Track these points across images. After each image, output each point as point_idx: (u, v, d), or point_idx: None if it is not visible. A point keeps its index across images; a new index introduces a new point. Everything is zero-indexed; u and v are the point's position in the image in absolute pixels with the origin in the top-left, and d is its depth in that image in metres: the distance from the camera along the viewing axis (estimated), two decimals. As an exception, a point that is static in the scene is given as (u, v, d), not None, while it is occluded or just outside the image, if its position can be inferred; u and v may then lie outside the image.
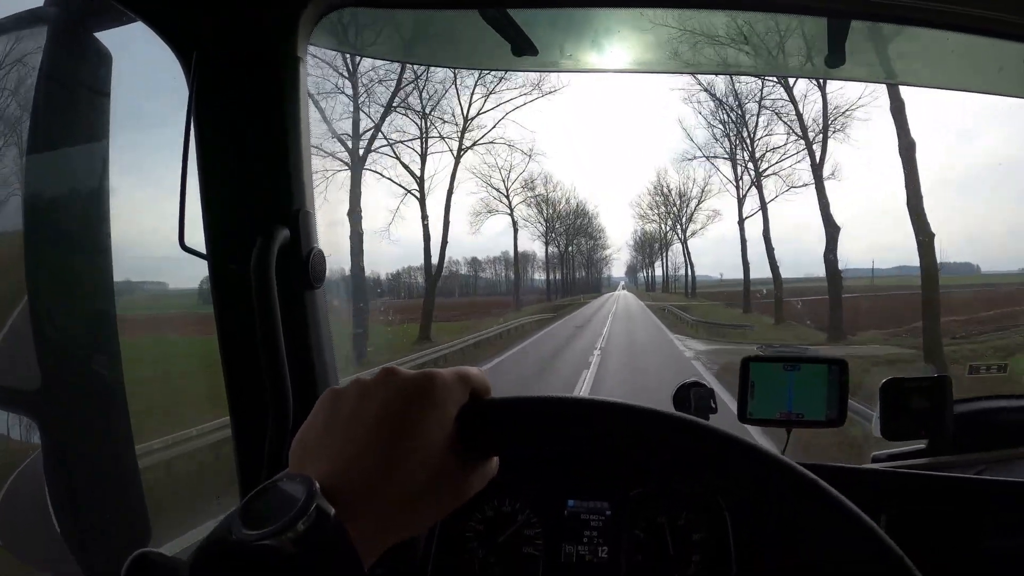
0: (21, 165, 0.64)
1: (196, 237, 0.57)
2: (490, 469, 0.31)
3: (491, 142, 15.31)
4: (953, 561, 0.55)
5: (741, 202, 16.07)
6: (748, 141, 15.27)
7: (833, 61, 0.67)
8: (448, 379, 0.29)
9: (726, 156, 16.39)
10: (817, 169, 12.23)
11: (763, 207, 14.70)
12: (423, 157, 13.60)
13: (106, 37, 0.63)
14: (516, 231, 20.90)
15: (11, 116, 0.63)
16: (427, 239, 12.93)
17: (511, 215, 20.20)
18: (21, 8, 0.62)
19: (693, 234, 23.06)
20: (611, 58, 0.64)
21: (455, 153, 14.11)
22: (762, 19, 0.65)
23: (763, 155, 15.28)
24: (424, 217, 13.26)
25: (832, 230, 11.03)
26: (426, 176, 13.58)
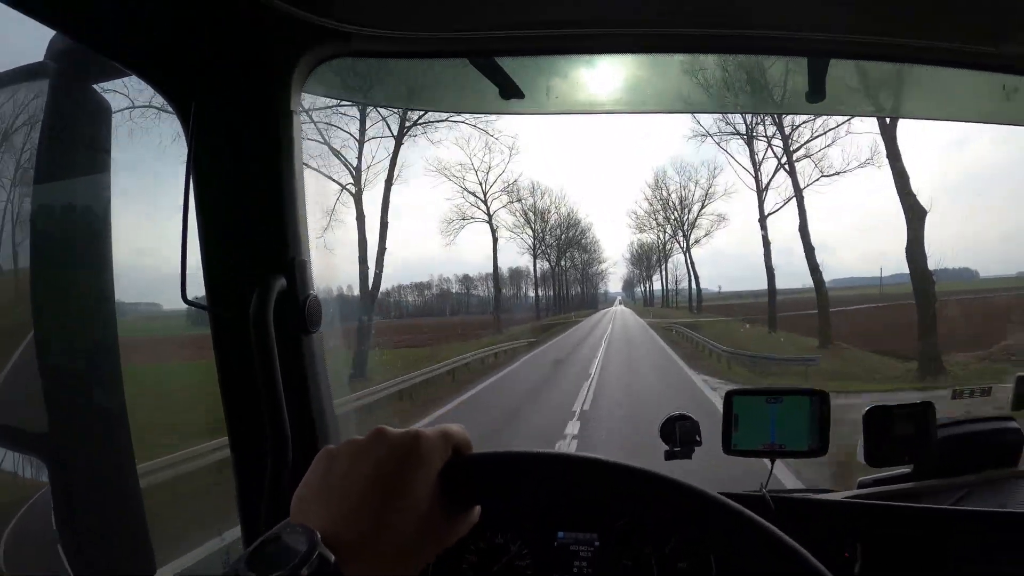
0: (26, 216, 0.66)
1: (196, 285, 0.59)
2: (472, 517, 0.34)
3: (446, 120, 12.39)
4: None
5: (763, 194, 13.20)
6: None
7: (814, 98, 0.69)
8: (433, 438, 0.31)
9: (742, 134, 13.49)
10: (889, 129, 8.60)
11: (798, 195, 11.84)
12: (360, 142, 11.24)
13: (107, 88, 0.65)
14: (496, 240, 18.91)
15: (14, 169, 0.65)
16: (363, 245, 10.46)
17: (490, 223, 18.22)
18: (22, 62, 0.64)
19: (696, 242, 20.69)
20: (597, 100, 0.66)
21: (396, 132, 11.61)
22: (744, 60, 0.66)
23: (794, 130, 12.09)
24: (359, 217, 10.76)
25: (917, 217, 8.16)
26: (363, 167, 11.09)
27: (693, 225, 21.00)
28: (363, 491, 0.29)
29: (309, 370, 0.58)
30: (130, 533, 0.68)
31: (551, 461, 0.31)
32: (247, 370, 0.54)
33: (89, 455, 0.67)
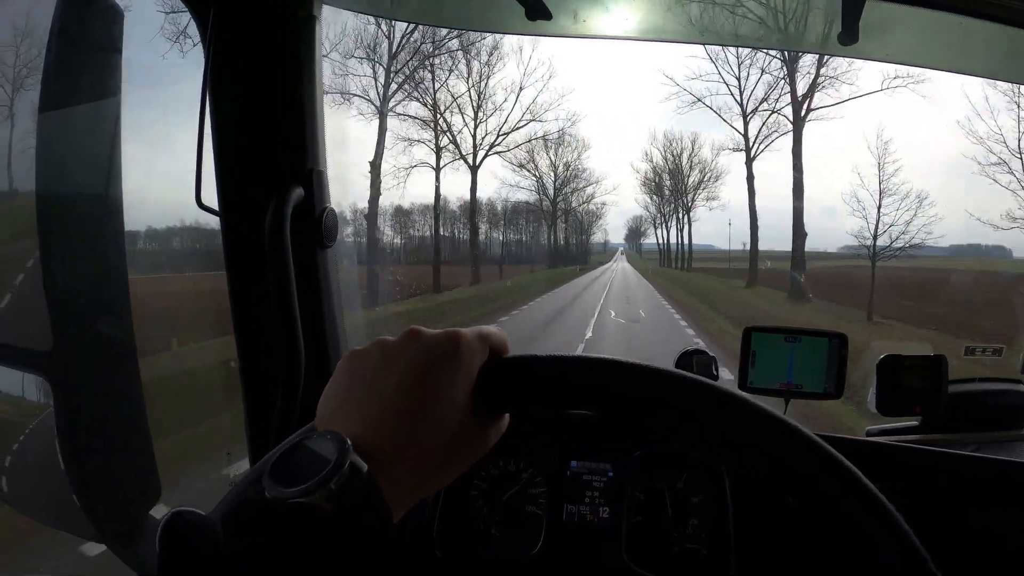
0: (33, 125, 0.64)
1: (209, 196, 0.58)
2: (503, 424, 0.32)
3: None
4: (943, 535, 0.56)
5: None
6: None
7: (846, 39, 0.67)
8: (471, 339, 0.29)
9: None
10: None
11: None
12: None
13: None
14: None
15: (23, 75, 0.63)
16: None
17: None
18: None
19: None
20: (625, 24, 0.64)
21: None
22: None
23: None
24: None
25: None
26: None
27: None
28: (397, 394, 0.27)
29: (323, 285, 0.57)
30: (135, 457, 0.68)
31: (588, 364, 0.30)
32: (259, 281, 0.53)
33: (93, 376, 0.66)
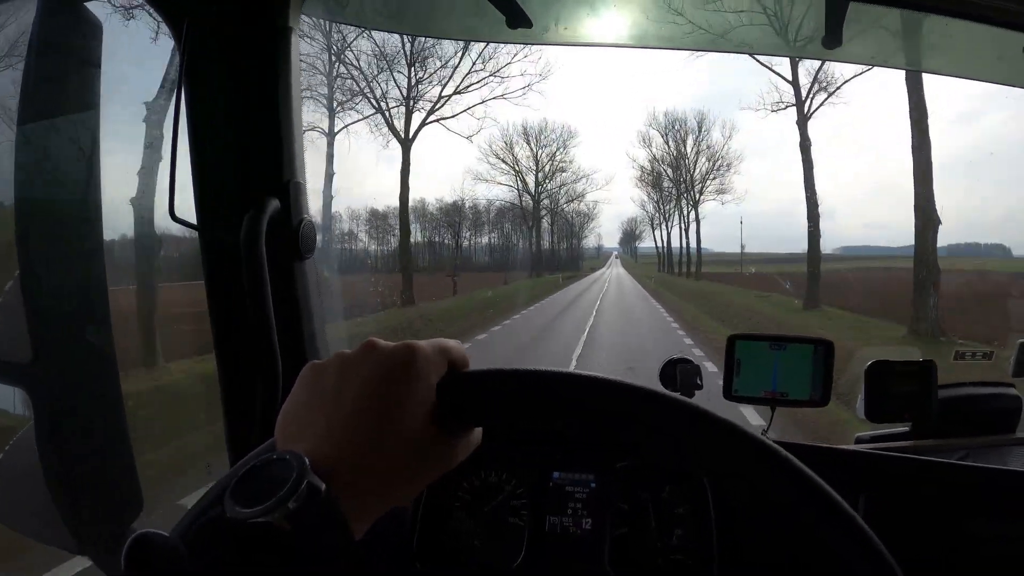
0: (11, 137, 0.64)
1: (187, 208, 0.57)
2: (474, 439, 0.31)
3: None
4: (928, 543, 0.56)
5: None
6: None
7: (830, 42, 0.67)
8: (428, 351, 0.29)
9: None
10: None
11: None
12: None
13: (97, 7, 0.62)
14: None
15: (3, 88, 0.63)
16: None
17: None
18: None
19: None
20: (607, 31, 0.64)
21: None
22: (760, -2, 0.64)
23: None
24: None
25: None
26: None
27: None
28: (354, 408, 0.27)
29: (302, 298, 0.56)
30: (117, 469, 0.67)
31: (549, 378, 0.29)
32: (237, 293, 0.53)
33: (74, 387, 0.65)
